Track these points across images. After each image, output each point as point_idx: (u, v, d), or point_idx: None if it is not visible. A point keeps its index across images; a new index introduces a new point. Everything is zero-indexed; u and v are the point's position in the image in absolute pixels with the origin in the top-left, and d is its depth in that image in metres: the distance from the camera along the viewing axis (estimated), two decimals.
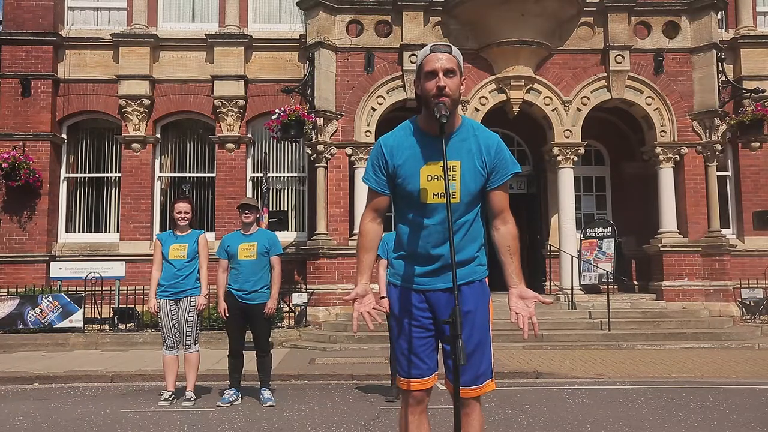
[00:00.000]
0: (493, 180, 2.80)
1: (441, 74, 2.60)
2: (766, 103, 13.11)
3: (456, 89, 2.63)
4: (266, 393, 6.47)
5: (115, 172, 13.98)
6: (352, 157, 12.68)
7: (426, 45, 2.76)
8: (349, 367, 8.73)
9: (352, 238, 12.52)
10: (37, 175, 12.98)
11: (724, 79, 13.18)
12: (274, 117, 12.09)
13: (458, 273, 2.56)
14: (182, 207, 6.54)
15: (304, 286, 12.44)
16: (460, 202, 2.69)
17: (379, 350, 9.66)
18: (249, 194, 13.74)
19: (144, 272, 11.77)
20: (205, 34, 13.64)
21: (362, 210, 3.12)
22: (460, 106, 2.86)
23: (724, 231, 13.39)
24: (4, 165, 12.60)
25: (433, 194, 2.66)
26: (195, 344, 6.51)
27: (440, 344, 2.80)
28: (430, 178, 2.66)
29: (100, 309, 11.82)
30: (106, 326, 11.65)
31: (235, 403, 6.40)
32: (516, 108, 13.04)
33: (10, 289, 11.88)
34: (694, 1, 13.12)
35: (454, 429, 2.61)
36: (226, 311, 6.47)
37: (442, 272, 2.72)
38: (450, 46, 2.70)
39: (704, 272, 12.80)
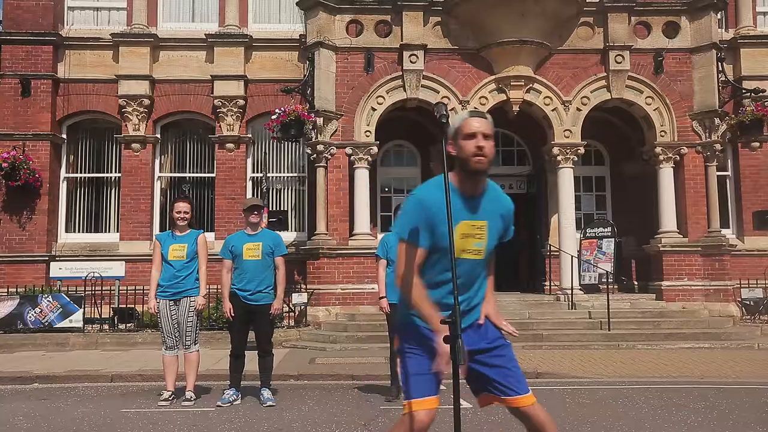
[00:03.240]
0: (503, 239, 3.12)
1: (480, 137, 2.81)
2: (766, 103, 13.11)
3: (491, 152, 2.84)
4: (266, 393, 6.47)
5: (115, 172, 13.98)
6: (352, 157, 12.68)
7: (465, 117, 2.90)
8: (349, 367, 8.73)
9: (352, 238, 12.52)
10: (37, 175, 12.97)
11: (724, 79, 13.18)
12: (274, 117, 12.08)
13: (477, 313, 2.98)
14: (182, 207, 6.54)
15: (304, 286, 12.44)
16: (483, 259, 2.94)
17: (378, 350, 9.66)
18: (249, 194, 13.73)
19: (144, 272, 11.75)
20: (205, 34, 13.63)
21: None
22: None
23: (724, 231, 13.39)
24: (4, 165, 12.60)
25: (462, 251, 2.85)
26: (195, 344, 6.52)
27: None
28: (462, 236, 2.85)
29: (100, 309, 11.82)
30: (106, 326, 11.65)
31: (235, 403, 6.40)
32: (516, 108, 13.03)
33: (10, 289, 11.88)
34: (694, 1, 13.12)
35: (454, 429, 2.62)
36: (232, 311, 6.47)
37: (464, 315, 2.90)
38: (486, 114, 2.91)
39: (704, 272, 12.79)
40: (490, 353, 2.96)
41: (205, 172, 14.11)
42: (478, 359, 2.93)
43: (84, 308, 11.45)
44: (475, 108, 12.12)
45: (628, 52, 13.09)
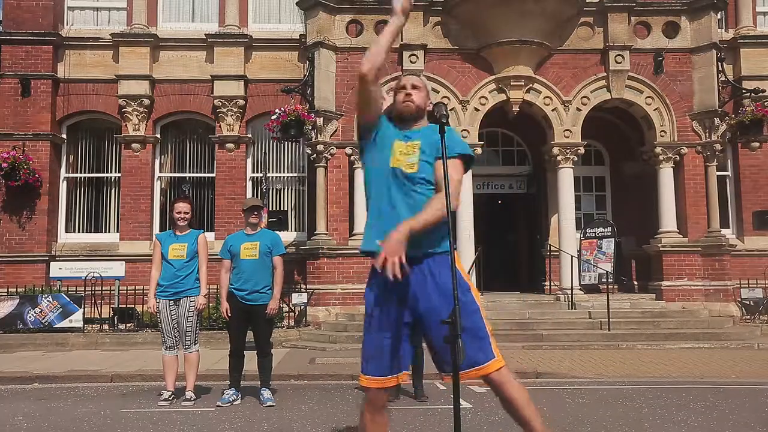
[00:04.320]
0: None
1: (409, 86, 3.27)
2: (766, 103, 13.11)
3: (420, 99, 3.25)
4: (266, 393, 6.47)
5: (115, 172, 13.98)
6: (352, 157, 12.67)
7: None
8: (349, 367, 8.72)
9: (352, 237, 12.52)
10: (36, 175, 12.97)
11: (723, 79, 13.19)
12: (273, 117, 12.08)
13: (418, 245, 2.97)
14: (182, 207, 6.54)
15: (304, 286, 12.44)
16: (416, 173, 3.11)
17: None
18: (249, 194, 13.73)
19: (144, 272, 11.74)
20: (205, 34, 13.64)
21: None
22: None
23: (723, 231, 13.39)
24: (4, 165, 12.60)
25: (398, 165, 3.18)
26: (195, 344, 6.51)
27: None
28: (399, 154, 3.18)
29: (99, 309, 11.82)
30: (105, 326, 11.65)
31: (235, 403, 6.39)
32: (516, 108, 13.04)
33: (9, 289, 11.88)
34: (694, 1, 13.12)
35: (454, 429, 2.62)
36: (229, 311, 6.48)
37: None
38: (417, 73, 3.21)
39: (704, 272, 12.80)
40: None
41: (205, 172, 14.11)
42: (429, 324, 3.02)
43: (84, 308, 11.45)
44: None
45: (628, 52, 13.09)
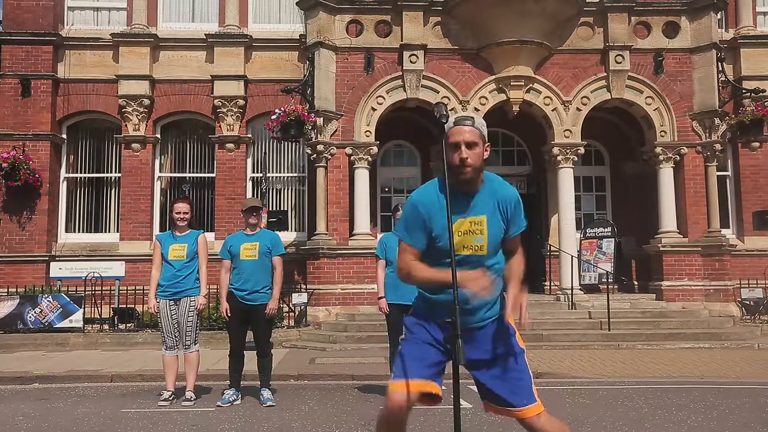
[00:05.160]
0: (511, 231, 3.04)
1: (464, 147, 2.83)
2: (766, 103, 13.11)
3: (476, 160, 2.84)
4: (266, 393, 6.47)
5: (115, 172, 13.97)
6: (352, 157, 12.68)
7: (452, 118, 2.92)
8: (349, 367, 8.73)
9: (352, 238, 12.52)
10: (36, 175, 12.97)
11: (724, 79, 13.19)
12: (273, 117, 12.08)
13: (481, 316, 2.93)
14: (181, 207, 6.54)
15: (304, 286, 12.44)
16: (486, 255, 2.91)
17: (379, 350, 9.65)
18: (249, 194, 13.73)
19: (144, 272, 11.75)
20: (205, 34, 13.63)
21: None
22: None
23: (724, 231, 13.39)
24: (4, 165, 12.59)
25: (463, 247, 2.88)
26: (195, 344, 6.51)
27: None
28: (461, 234, 2.89)
29: (100, 309, 11.82)
30: (106, 326, 11.65)
31: (235, 403, 6.40)
32: (516, 108, 13.03)
33: (10, 289, 11.88)
34: (694, 1, 13.12)
35: (454, 429, 2.62)
36: (228, 311, 6.48)
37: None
38: (473, 118, 2.90)
39: (704, 272, 12.80)
40: (490, 363, 2.96)
41: (205, 172, 14.11)
42: (478, 367, 2.96)
43: (84, 308, 11.45)
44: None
45: (628, 52, 13.09)
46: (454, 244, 2.76)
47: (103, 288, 11.94)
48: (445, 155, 2.85)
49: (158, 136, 13.95)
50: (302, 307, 12.14)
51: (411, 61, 12.77)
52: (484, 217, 2.88)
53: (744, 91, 13.25)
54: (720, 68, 13.11)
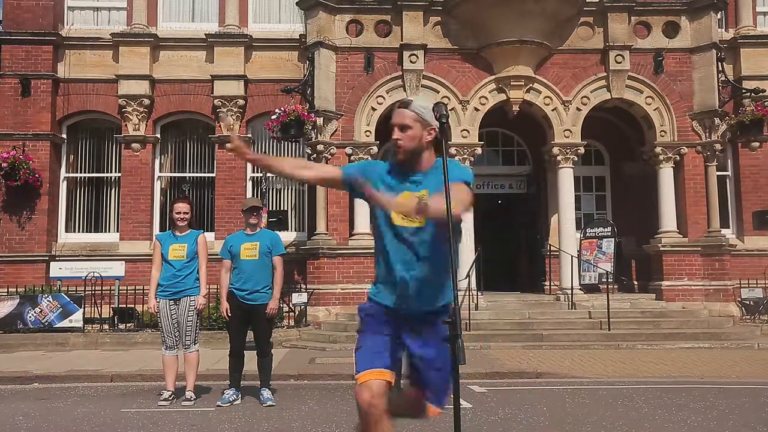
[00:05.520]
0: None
1: (396, 129, 2.98)
2: (766, 103, 13.10)
3: (408, 142, 2.96)
4: (266, 393, 6.48)
5: (115, 172, 13.97)
6: (352, 156, 12.67)
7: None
8: (349, 367, 8.68)
9: (352, 237, 12.52)
10: (36, 175, 12.96)
11: (724, 79, 13.18)
12: (273, 117, 12.08)
13: (430, 295, 2.97)
14: (181, 207, 6.55)
15: (304, 286, 12.44)
16: (425, 227, 2.94)
17: None
18: (249, 194, 13.73)
19: (144, 272, 11.74)
20: (205, 34, 13.63)
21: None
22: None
23: (723, 231, 13.38)
24: (4, 165, 12.58)
25: (402, 218, 2.96)
26: (194, 344, 6.52)
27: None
28: None
29: (100, 309, 11.81)
30: (106, 326, 11.64)
31: (235, 403, 6.40)
32: (516, 108, 13.03)
33: (9, 289, 11.87)
34: (694, 1, 13.12)
35: (454, 429, 2.62)
36: (228, 311, 6.48)
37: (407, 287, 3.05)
38: (411, 102, 3.03)
39: (704, 272, 12.79)
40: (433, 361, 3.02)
41: (205, 172, 14.11)
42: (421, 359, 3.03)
43: (84, 308, 11.45)
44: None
45: (628, 52, 13.09)
46: (392, 216, 2.91)
47: (103, 288, 11.94)
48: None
49: (158, 135, 13.95)
50: (302, 307, 12.14)
51: (411, 61, 12.78)
52: (426, 192, 2.92)
53: (744, 91, 13.25)
54: (720, 68, 13.10)
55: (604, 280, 12.66)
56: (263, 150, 13.94)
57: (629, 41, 13.11)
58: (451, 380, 2.91)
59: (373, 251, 3.26)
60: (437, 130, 2.92)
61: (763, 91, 12.98)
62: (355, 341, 3.11)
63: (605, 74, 13.13)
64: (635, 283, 14.01)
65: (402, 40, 12.82)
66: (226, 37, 13.68)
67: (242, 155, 3.13)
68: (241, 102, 13.60)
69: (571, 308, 12.15)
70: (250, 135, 13.89)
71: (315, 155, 12.59)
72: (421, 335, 2.99)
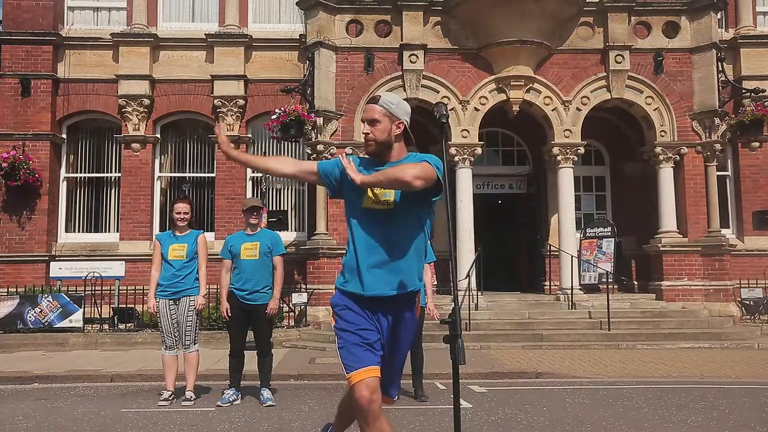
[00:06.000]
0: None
1: (366, 124, 3.08)
2: (766, 103, 13.10)
3: (378, 135, 3.05)
4: (266, 393, 6.48)
5: (115, 172, 13.97)
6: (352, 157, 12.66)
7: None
8: None
9: None
10: (36, 175, 12.96)
11: (724, 79, 13.18)
12: (273, 117, 12.08)
13: (398, 277, 3.04)
14: (181, 207, 6.55)
15: (304, 286, 12.45)
16: (393, 210, 3.03)
17: None
18: (249, 194, 13.73)
19: (144, 272, 11.74)
20: (205, 34, 13.63)
21: None
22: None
23: (723, 231, 13.39)
24: (4, 165, 12.58)
25: (374, 202, 3.07)
26: (194, 344, 6.52)
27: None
28: (372, 192, 3.11)
29: (99, 309, 11.81)
30: (105, 326, 11.64)
31: (235, 403, 6.40)
32: (516, 108, 13.03)
33: (9, 289, 11.88)
34: (694, 1, 13.12)
35: (454, 429, 2.62)
36: (228, 311, 6.48)
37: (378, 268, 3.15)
38: (380, 97, 3.12)
39: (704, 272, 12.80)
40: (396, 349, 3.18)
41: (205, 172, 14.11)
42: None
43: (84, 308, 11.45)
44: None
45: (628, 52, 13.09)
46: (363, 199, 2.99)
47: (103, 288, 11.94)
48: None
49: (158, 135, 13.95)
50: (302, 307, 12.15)
51: (411, 61, 12.78)
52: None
53: (744, 91, 13.25)
54: (720, 68, 13.10)
55: (604, 280, 12.67)
56: (264, 150, 13.95)
57: (629, 41, 13.11)
58: (401, 373, 3.18)
59: None
60: (405, 123, 3.03)
61: (763, 91, 12.97)
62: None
63: (605, 74, 13.13)
64: (635, 283, 14.01)
65: (402, 40, 12.82)
66: (226, 37, 13.68)
67: (227, 152, 3.23)
68: (241, 102, 13.60)
69: (571, 308, 12.15)
70: (250, 135, 13.90)
71: (315, 155, 12.58)
72: (387, 321, 3.08)
